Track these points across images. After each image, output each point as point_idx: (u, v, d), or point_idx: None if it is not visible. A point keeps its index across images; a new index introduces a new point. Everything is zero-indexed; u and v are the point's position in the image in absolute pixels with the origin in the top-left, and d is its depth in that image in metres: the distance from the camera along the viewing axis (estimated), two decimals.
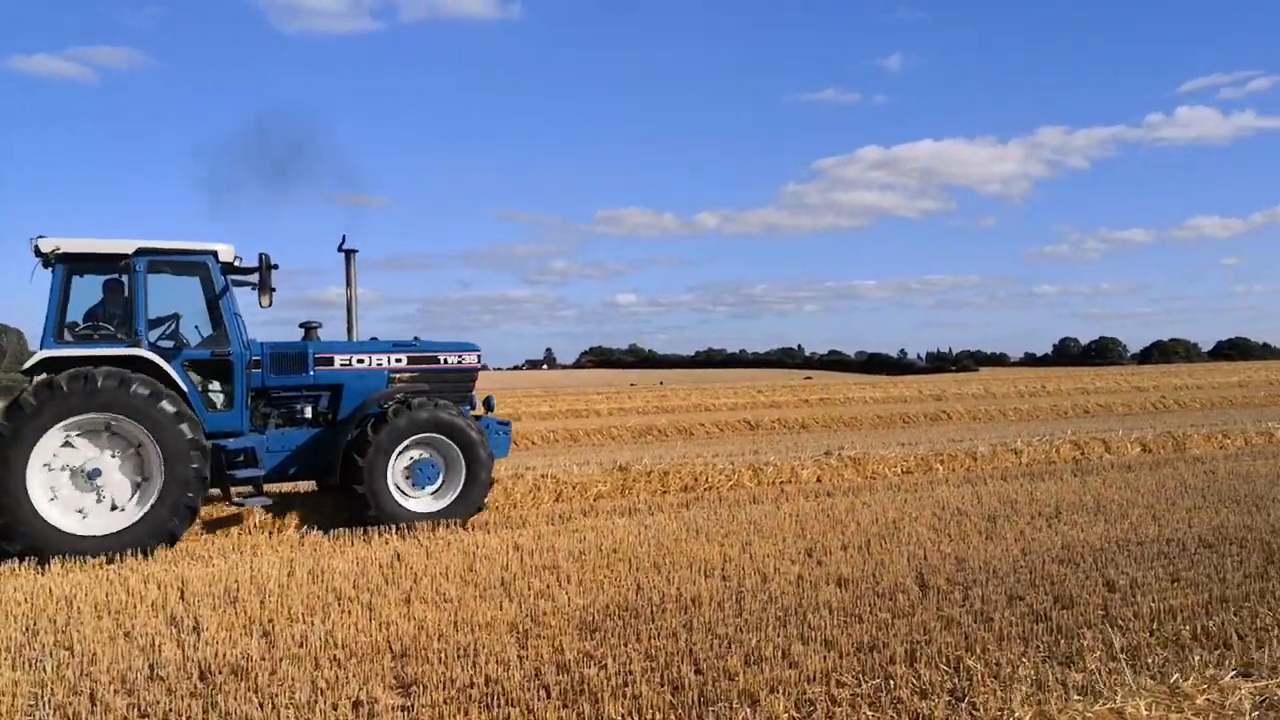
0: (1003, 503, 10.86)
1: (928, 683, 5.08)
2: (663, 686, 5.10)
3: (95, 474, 9.20)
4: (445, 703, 4.93)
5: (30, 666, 5.76)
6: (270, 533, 10.43)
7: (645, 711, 4.77)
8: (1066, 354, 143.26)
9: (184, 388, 9.72)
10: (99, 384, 8.99)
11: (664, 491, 12.74)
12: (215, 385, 10.24)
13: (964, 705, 4.74)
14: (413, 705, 4.93)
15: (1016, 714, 4.12)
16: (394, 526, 10.14)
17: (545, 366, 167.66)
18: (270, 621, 6.58)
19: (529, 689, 5.09)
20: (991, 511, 10.29)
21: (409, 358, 11.37)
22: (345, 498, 10.51)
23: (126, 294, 9.84)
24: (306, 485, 12.15)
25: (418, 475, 10.54)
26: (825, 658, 5.47)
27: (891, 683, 5.09)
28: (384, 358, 11.21)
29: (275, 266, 10.15)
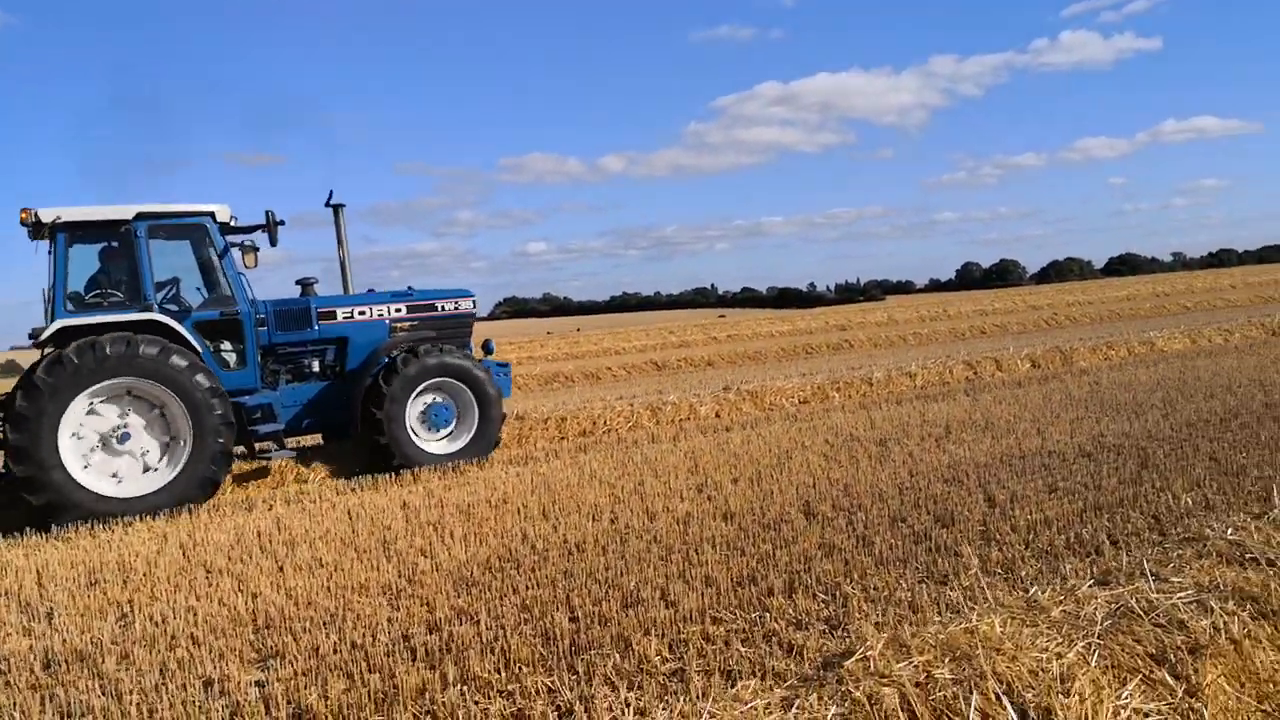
0: (895, 426, 10.95)
1: (804, 612, 5.02)
2: (535, 638, 4.94)
3: (125, 438, 9.39)
4: (303, 674, 4.69)
5: None
6: None
7: (513, 665, 4.60)
8: (969, 278, 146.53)
9: (197, 348, 9.89)
10: (139, 350, 9.22)
11: (561, 438, 12.56)
12: (226, 345, 10.45)
13: (838, 633, 4.69)
14: (268, 679, 4.67)
15: (869, 641, 4.05)
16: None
17: None
18: (130, 602, 6.22)
19: (394, 652, 4.87)
20: (883, 435, 10.36)
21: (408, 307, 11.66)
22: (365, 447, 10.75)
23: (128, 259, 9.90)
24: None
25: (433, 419, 10.90)
26: (703, 595, 5.37)
27: (768, 615, 5.02)
28: (384, 308, 11.49)
29: (282, 223, 10.39)
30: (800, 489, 8.01)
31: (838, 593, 5.29)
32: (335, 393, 11.05)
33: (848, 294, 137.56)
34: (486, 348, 12.12)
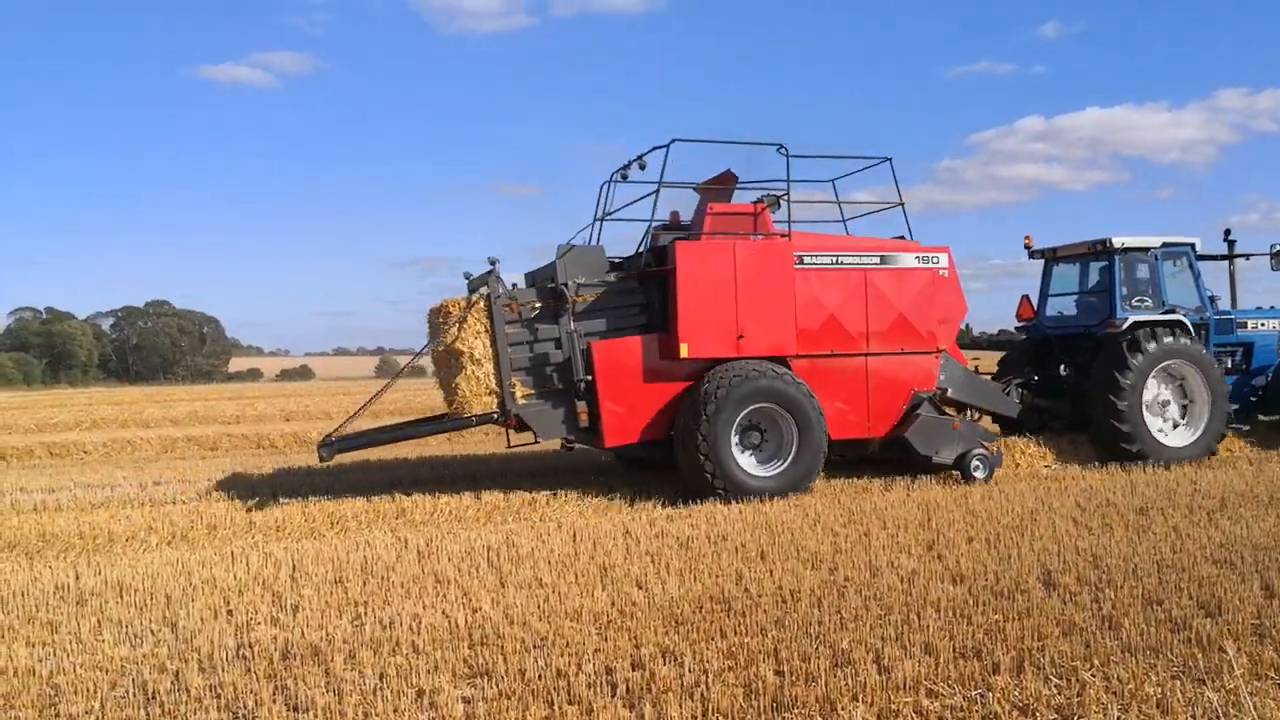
0: (1160, 493, 9.97)
1: (1032, 695, 4.58)
2: (737, 687, 4.78)
3: (1166, 403, 12.83)
4: (507, 695, 4.77)
5: (136, 642, 5.95)
6: (400, 515, 10.53)
7: (711, 715, 4.47)
8: None
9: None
10: (1174, 340, 12.59)
11: None
12: None
13: None
14: (474, 696, 4.79)
15: None
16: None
17: None
18: (365, 604, 6.59)
19: (595, 685, 4.87)
20: (1145, 503, 9.42)
21: None
22: None
23: (1151, 275, 13.25)
24: None
25: None
26: (920, 664, 5.01)
27: (990, 695, 4.61)
28: (1275, 323, 14.25)
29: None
30: (1042, 555, 7.39)
31: (1074, 678, 4.79)
32: (1239, 386, 13.79)
33: None
34: None
